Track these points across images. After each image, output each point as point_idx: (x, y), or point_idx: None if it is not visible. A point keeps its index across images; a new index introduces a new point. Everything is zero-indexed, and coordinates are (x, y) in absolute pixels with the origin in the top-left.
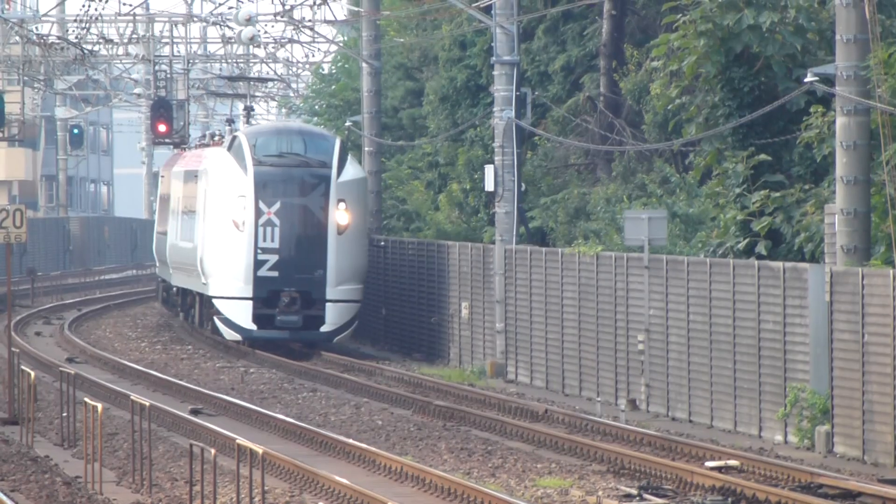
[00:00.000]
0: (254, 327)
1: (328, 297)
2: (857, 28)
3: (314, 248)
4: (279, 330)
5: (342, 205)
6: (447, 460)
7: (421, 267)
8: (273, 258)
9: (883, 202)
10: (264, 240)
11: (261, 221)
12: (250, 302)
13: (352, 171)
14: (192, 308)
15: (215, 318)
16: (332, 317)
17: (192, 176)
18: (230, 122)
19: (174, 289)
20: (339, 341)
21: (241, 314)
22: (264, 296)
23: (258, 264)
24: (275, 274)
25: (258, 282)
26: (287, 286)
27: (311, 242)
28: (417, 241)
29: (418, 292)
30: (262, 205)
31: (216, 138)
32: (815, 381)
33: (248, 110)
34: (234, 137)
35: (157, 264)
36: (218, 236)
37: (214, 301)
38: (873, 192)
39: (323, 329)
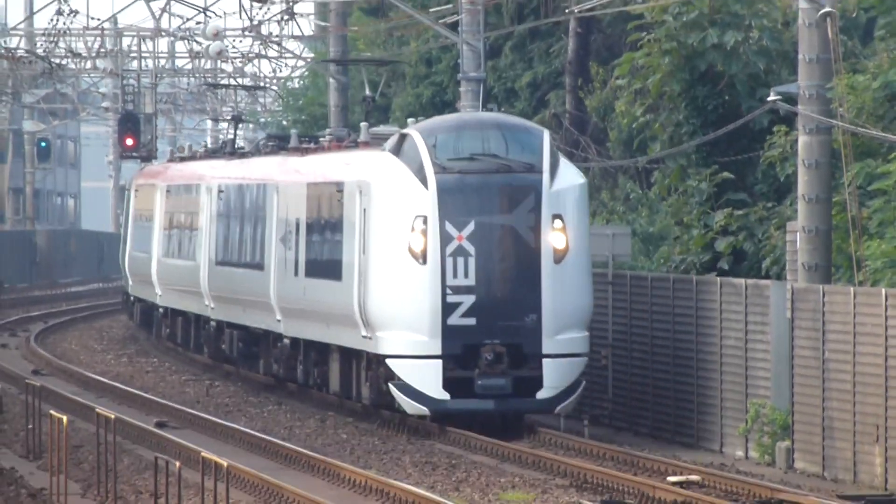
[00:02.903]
0: (446, 396)
1: (545, 350)
2: (820, 48)
3: (524, 285)
4: (481, 398)
5: (558, 222)
6: (411, 474)
7: None
8: (468, 300)
9: (844, 221)
10: (455, 275)
11: (449, 250)
12: (439, 361)
13: (569, 175)
14: (309, 366)
15: (391, 386)
16: (553, 378)
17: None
18: (237, 119)
19: (178, 316)
20: (562, 411)
21: (428, 379)
22: (458, 352)
23: (448, 309)
24: (471, 322)
25: (449, 333)
26: (488, 338)
27: (520, 276)
28: None
29: None
30: (449, 227)
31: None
32: (775, 397)
33: (237, 120)
34: (404, 136)
35: (132, 283)
36: (387, 273)
37: (389, 363)
38: (835, 210)
39: (540, 395)
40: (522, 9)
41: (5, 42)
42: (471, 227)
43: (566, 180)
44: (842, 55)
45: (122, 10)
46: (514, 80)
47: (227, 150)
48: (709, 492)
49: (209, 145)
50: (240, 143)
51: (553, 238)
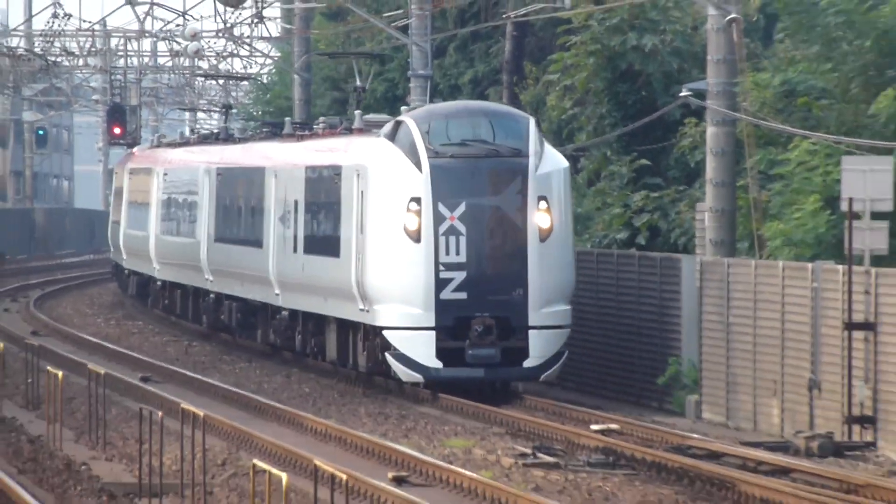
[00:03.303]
0: (439, 365)
1: (531, 322)
2: (726, 50)
3: (511, 262)
4: (471, 367)
5: (543, 203)
6: (366, 423)
7: None
8: (459, 276)
9: (748, 203)
10: (447, 253)
11: (441, 229)
12: (433, 333)
13: (552, 159)
14: (307, 336)
15: (387, 356)
16: (538, 348)
17: (281, 174)
18: (227, 108)
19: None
20: (547, 379)
21: (422, 349)
22: (450, 324)
23: (441, 284)
24: (462, 296)
25: (441, 306)
26: (479, 311)
27: (508, 254)
28: None
29: None
30: (441, 208)
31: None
32: (687, 356)
33: (227, 108)
34: (399, 123)
35: (126, 257)
36: (384, 251)
37: (385, 334)
38: (739, 193)
39: (527, 364)
40: (465, 14)
41: (7, 42)
42: (462, 207)
43: (551, 164)
44: (745, 56)
45: (111, 13)
46: (458, 77)
47: (221, 137)
48: (627, 439)
49: (188, 133)
50: (207, 130)
51: (538, 218)
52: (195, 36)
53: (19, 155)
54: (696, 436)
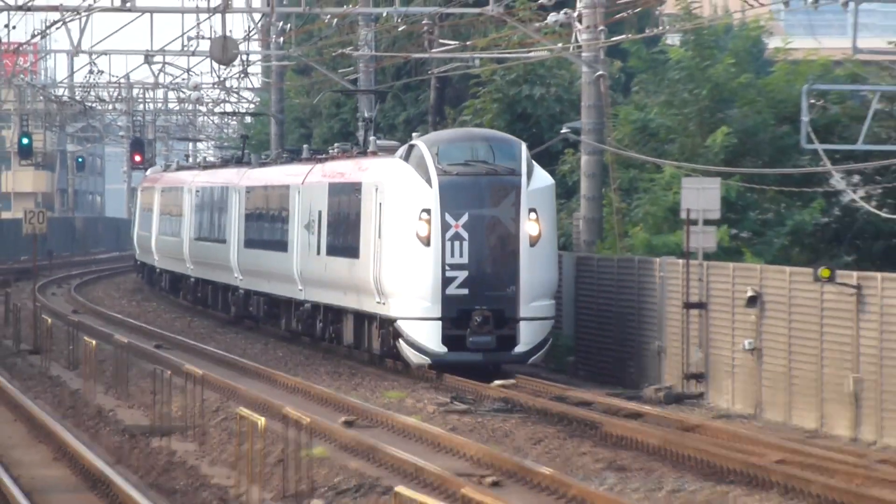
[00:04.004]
0: (444, 350)
1: (521, 314)
2: (595, 98)
3: (506, 263)
4: (471, 352)
5: (533, 214)
6: (325, 379)
7: None
8: (462, 275)
9: (611, 213)
10: (452, 255)
11: (448, 235)
12: (439, 322)
13: (541, 178)
14: (327, 324)
15: (399, 342)
16: (527, 336)
17: (308, 191)
18: (245, 137)
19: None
20: (534, 362)
21: (430, 336)
22: (454, 315)
23: (446, 281)
24: (464, 292)
25: (447, 300)
26: (478, 304)
27: (503, 257)
28: None
29: None
30: (448, 217)
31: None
32: (566, 328)
33: (245, 138)
34: (412, 146)
35: (157, 258)
36: (399, 253)
37: (398, 323)
38: (605, 203)
39: (517, 350)
40: (400, 70)
41: (55, 91)
42: (465, 217)
43: (540, 181)
44: (609, 103)
45: (133, 69)
46: (394, 118)
47: (244, 161)
48: (521, 391)
49: (189, 160)
50: (211, 158)
51: (529, 227)
52: (196, 87)
53: (64, 177)
54: (573, 388)
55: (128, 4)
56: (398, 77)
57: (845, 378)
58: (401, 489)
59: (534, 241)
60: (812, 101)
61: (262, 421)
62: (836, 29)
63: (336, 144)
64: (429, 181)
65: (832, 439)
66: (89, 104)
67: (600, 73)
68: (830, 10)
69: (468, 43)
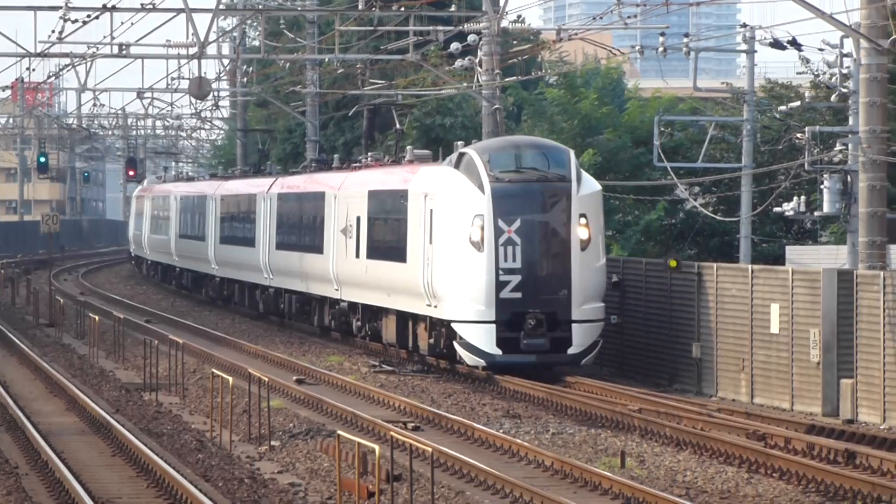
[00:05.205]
0: (498, 352)
1: (574, 317)
2: (493, 126)
3: (558, 267)
4: (525, 354)
5: (583, 219)
6: (280, 347)
7: None
8: (515, 279)
9: None
10: (505, 260)
11: (501, 240)
12: (493, 325)
13: (589, 184)
14: (364, 322)
15: (455, 344)
16: (579, 338)
17: (381, 196)
18: (264, 153)
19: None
20: (586, 364)
21: (484, 339)
22: (508, 318)
23: (500, 285)
24: (518, 295)
25: (501, 304)
26: (531, 308)
27: (555, 261)
28: None
29: None
30: (501, 223)
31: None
32: None
33: (262, 153)
34: (463, 154)
35: (177, 258)
36: (452, 258)
37: (454, 326)
38: None
39: (570, 351)
40: (339, 103)
41: (66, 120)
42: (517, 223)
43: (588, 188)
44: (504, 130)
45: (128, 103)
46: (335, 141)
47: (268, 171)
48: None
49: (174, 174)
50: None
51: (579, 232)
52: (178, 117)
53: (73, 187)
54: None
55: (124, 52)
56: (338, 109)
57: (689, 345)
58: (341, 432)
59: (584, 246)
60: (661, 128)
61: (231, 379)
62: (680, 72)
63: (369, 153)
64: (481, 187)
65: (681, 393)
66: (93, 130)
67: (497, 106)
68: (676, 57)
69: (393, 82)
